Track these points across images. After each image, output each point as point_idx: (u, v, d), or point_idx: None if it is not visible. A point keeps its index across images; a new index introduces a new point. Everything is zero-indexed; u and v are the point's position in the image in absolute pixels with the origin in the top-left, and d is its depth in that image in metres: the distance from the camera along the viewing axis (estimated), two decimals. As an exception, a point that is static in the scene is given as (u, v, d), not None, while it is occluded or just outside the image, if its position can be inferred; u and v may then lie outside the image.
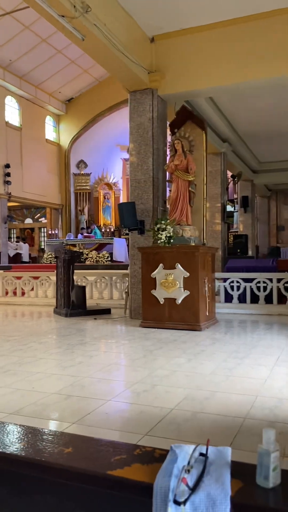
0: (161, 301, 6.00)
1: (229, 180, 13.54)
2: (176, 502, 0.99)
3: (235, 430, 2.47)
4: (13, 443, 1.38)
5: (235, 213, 16.09)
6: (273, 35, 6.19)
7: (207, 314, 6.15)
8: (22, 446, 1.34)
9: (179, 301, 5.90)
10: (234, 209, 16.42)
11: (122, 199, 19.45)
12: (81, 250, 13.88)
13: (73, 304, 7.34)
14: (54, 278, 8.49)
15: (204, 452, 0.91)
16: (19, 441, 1.40)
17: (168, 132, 7.06)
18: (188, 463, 0.89)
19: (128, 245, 8.74)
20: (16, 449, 1.31)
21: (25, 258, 18.03)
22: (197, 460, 0.90)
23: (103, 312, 7.57)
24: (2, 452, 1.29)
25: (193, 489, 0.95)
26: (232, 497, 1.00)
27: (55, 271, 8.09)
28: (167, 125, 7.14)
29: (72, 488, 1.14)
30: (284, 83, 6.79)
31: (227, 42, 6.48)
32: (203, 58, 6.62)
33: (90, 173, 20.08)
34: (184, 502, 0.99)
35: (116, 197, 20.14)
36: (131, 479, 1.01)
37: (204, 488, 0.89)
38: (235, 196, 15.83)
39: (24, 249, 18.17)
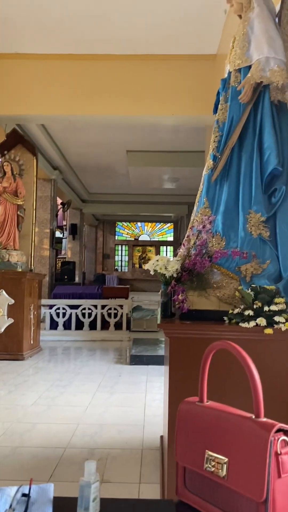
0: (-18, 330, 5.62)
1: (59, 207, 13.69)
2: None
3: (55, 461, 2.46)
4: None
5: (63, 240, 16.27)
6: (102, 76, 6.64)
7: (31, 342, 6.00)
8: None
9: (2, 330, 5.62)
10: (63, 235, 16.61)
11: None
12: None
13: None
14: None
15: (27, 492, 0.90)
16: None
17: (-3, 153, 6.83)
18: (10, 506, 0.86)
19: None
20: None
21: None
22: (19, 501, 0.88)
23: None
24: None
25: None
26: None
27: None
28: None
29: None
30: (111, 122, 7.32)
31: (60, 74, 6.68)
32: (36, 85, 6.67)
33: None
34: None
35: None
36: None
37: (26, 529, 0.87)
38: (64, 223, 16.06)
39: None
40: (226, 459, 0.74)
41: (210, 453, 0.74)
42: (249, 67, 2.25)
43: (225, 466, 0.74)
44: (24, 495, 0.88)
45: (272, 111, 2.22)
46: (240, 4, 2.43)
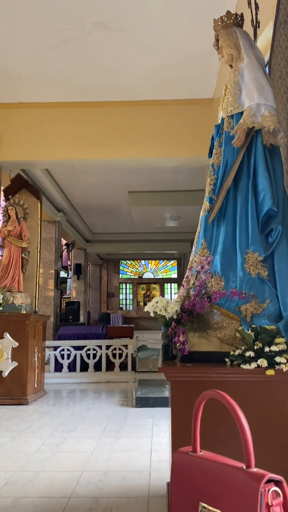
0: (-14, 374, 5.56)
1: (63, 247, 13.84)
2: None
3: (59, 512, 2.38)
4: None
5: (68, 280, 16.32)
6: (103, 122, 6.89)
7: (36, 386, 5.91)
8: None
9: (6, 374, 5.56)
10: (68, 275, 16.68)
11: None
12: None
13: None
14: None
15: None
16: None
17: (2, 197, 6.99)
18: None
19: None
20: None
21: None
22: None
23: None
24: None
25: None
26: None
27: None
28: (1, 190, 7.08)
29: None
30: (113, 165, 7.53)
31: (63, 121, 6.94)
32: (40, 132, 6.92)
33: None
34: None
35: None
36: None
37: None
38: (69, 263, 16.17)
39: None
40: (219, 512, 0.73)
41: (204, 505, 0.73)
42: (241, 113, 2.35)
43: (220, 518, 0.73)
44: None
45: (265, 153, 2.30)
46: (230, 55, 2.56)
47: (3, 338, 5.64)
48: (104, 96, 6.73)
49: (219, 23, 2.58)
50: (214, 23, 2.60)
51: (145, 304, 20.16)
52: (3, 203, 6.93)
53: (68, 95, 6.72)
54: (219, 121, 2.52)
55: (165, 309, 1.95)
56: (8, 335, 5.65)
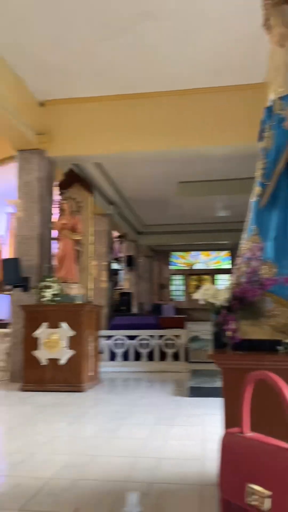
0: (44, 362, 5.80)
1: (115, 240, 14.04)
2: None
3: (115, 495, 2.45)
4: None
5: (120, 271, 16.56)
6: (153, 113, 6.89)
7: (91, 373, 6.08)
8: None
9: (63, 362, 5.77)
10: (120, 267, 16.92)
11: (8, 253, 18.78)
12: None
13: None
14: None
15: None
16: None
17: (56, 191, 7.21)
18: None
19: (11, 303, 8.38)
20: None
21: None
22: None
23: (-21, 376, 7.00)
24: None
25: None
26: None
27: None
28: (55, 184, 7.29)
29: None
30: (163, 155, 7.51)
31: (113, 114, 7.02)
32: (91, 126, 7.04)
33: (-28, 225, 19.16)
34: None
35: (-1, 252, 19.37)
36: None
37: None
38: (121, 255, 16.40)
39: None
40: (269, 493, 0.72)
41: (252, 486, 0.72)
42: (293, 94, 2.26)
43: (268, 500, 0.72)
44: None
45: None
46: (282, 35, 2.47)
47: (60, 327, 5.84)
48: (153, 87, 6.71)
49: (269, 1, 2.49)
50: (263, 2, 2.51)
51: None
52: (57, 197, 7.15)
53: (117, 87, 6.77)
54: (270, 103, 2.44)
55: (215, 297, 1.93)
56: (64, 324, 5.84)
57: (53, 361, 5.78)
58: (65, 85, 6.72)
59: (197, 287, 20.38)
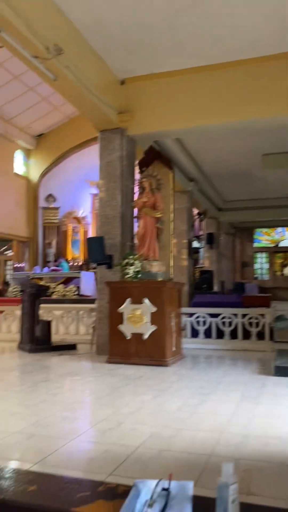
0: (128, 336, 5.98)
1: (195, 217, 13.89)
2: (139, 537, 0.99)
3: (200, 467, 2.46)
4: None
5: (201, 249, 16.42)
6: (237, 82, 6.58)
7: (174, 349, 6.16)
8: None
9: (146, 336, 5.90)
10: (200, 245, 16.77)
11: (91, 233, 19.51)
12: (47, 284, 13.70)
13: (37, 339, 7.18)
14: (19, 312, 8.31)
15: (167, 486, 0.93)
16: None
17: (137, 170, 7.26)
18: (151, 497, 0.90)
19: (96, 280, 8.74)
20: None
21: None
22: (160, 495, 0.91)
23: (68, 348, 7.43)
24: None
25: (156, 524, 0.95)
26: (193, 531, 1.02)
27: (20, 305, 7.94)
28: (136, 163, 7.34)
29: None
30: (245, 127, 7.19)
31: (195, 87, 6.83)
32: (171, 101, 6.94)
33: (59, 207, 20.12)
34: (147, 537, 0.99)
35: (84, 231, 20.19)
36: (95, 515, 1.00)
37: (166, 522, 0.90)
38: (201, 232, 16.21)
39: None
40: None
41: None
42: None
43: None
44: (164, 489, 0.91)
45: None
46: None
47: (142, 303, 5.96)
48: (233, 55, 6.41)
49: None
50: None
51: (282, 275, 19.28)
52: (138, 176, 7.20)
53: (196, 59, 6.57)
54: None
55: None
56: (147, 300, 5.95)
57: (137, 336, 5.93)
58: (144, 61, 6.67)
59: (283, 265, 19.62)
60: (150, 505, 0.88)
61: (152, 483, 0.97)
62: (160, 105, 6.99)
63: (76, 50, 5.85)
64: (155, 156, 7.05)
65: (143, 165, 7.01)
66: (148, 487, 0.94)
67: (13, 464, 2.53)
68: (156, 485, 0.94)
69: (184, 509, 0.83)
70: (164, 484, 0.95)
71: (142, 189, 6.72)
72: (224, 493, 0.79)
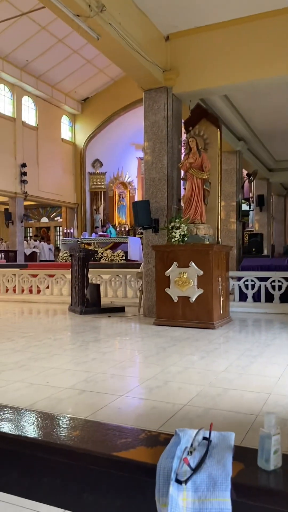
0: (175, 299, 6.01)
1: (245, 178, 13.43)
2: (178, 481, 1.03)
3: (247, 426, 2.48)
4: (26, 427, 1.44)
5: (250, 212, 15.95)
6: (284, 33, 6.13)
7: (221, 312, 6.13)
8: (33, 430, 1.41)
9: (193, 300, 5.90)
10: (250, 208, 16.28)
11: (137, 198, 19.50)
12: (96, 249, 13.96)
13: (87, 302, 7.40)
14: (69, 276, 8.57)
15: (207, 436, 0.93)
16: (31, 425, 1.47)
17: (183, 130, 7.06)
18: (191, 445, 0.91)
19: (142, 244, 8.79)
20: (27, 432, 1.37)
21: (47, 256, 18.33)
22: (200, 444, 0.92)
23: (117, 310, 7.61)
24: (15, 434, 1.34)
25: (195, 470, 0.98)
26: (233, 478, 1.04)
27: (70, 269, 8.17)
28: (182, 123, 7.14)
29: (78, 469, 1.19)
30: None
31: (242, 40, 6.45)
32: (218, 56, 6.61)
33: (105, 172, 20.18)
34: (186, 481, 1.03)
35: (131, 196, 20.21)
36: (135, 460, 1.03)
37: (206, 469, 0.91)
38: (251, 194, 15.72)
39: (45, 248, 18.48)
40: None
41: None
42: None
43: None
44: (205, 438, 0.91)
45: None
46: None
47: (189, 267, 5.93)
48: (283, 2, 5.93)
49: None
50: None
51: None
52: (184, 136, 7.01)
53: (243, 8, 6.15)
54: None
55: None
56: (193, 263, 5.91)
57: (184, 299, 5.95)
58: (188, 14, 6.34)
59: None
60: (190, 452, 0.89)
61: (193, 432, 0.98)
62: (206, 61, 6.67)
63: (118, 6, 5.65)
64: (201, 115, 6.80)
65: (189, 124, 6.80)
66: (189, 436, 0.95)
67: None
68: (197, 434, 0.95)
69: (224, 457, 0.83)
70: (205, 433, 0.96)
71: (188, 150, 6.54)
72: (266, 443, 0.78)
